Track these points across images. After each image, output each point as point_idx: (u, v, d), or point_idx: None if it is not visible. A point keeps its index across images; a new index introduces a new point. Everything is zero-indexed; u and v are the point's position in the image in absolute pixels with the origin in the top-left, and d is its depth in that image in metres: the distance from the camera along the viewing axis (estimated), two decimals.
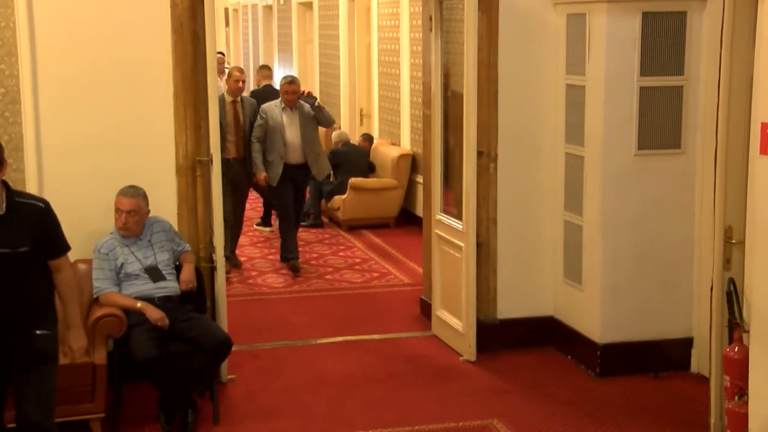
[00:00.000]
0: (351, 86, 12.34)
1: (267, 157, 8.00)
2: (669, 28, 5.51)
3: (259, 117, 8.01)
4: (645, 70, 5.52)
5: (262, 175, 8.00)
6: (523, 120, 6.03)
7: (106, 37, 5.39)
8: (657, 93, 5.56)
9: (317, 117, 8.10)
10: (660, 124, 5.60)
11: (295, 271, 8.10)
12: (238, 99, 8.10)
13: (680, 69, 5.56)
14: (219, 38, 19.98)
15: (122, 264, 5.11)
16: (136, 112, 5.46)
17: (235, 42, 20.66)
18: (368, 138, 10.77)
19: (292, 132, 8.01)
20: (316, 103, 8.19)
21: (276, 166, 8.01)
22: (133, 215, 5.10)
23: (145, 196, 5.17)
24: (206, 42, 5.38)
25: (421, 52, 7.23)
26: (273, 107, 8.05)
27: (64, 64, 5.35)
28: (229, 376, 5.62)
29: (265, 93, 9.66)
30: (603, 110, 5.54)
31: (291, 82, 8.08)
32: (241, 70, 8.37)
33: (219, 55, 13.17)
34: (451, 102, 6.30)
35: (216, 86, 5.46)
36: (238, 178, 8.03)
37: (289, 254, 8.25)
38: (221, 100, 7.62)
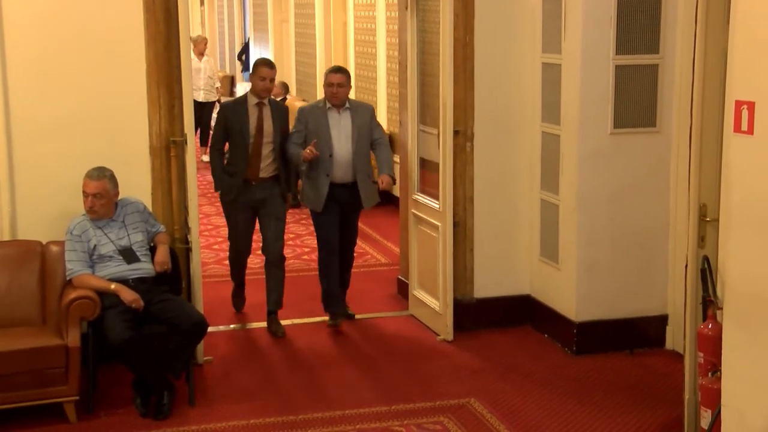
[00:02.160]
0: (327, 65, 12.25)
1: (309, 174, 6.07)
2: (644, 7, 5.51)
3: (296, 122, 6.07)
4: (620, 49, 5.51)
5: (301, 154, 5.93)
6: (500, 99, 6.01)
7: (77, 15, 5.31)
8: (632, 71, 5.56)
9: (375, 153, 6.18)
10: (635, 102, 5.61)
11: (349, 318, 6.39)
12: (266, 101, 6.04)
13: (655, 47, 5.56)
14: (193, 17, 19.78)
15: (95, 245, 5.06)
16: (108, 91, 5.39)
17: (210, 21, 20.46)
18: None
19: (341, 141, 6.01)
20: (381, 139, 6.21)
21: (320, 186, 5.99)
22: (99, 198, 5.04)
23: (112, 178, 5.11)
24: (179, 20, 5.31)
25: (397, 31, 7.19)
26: (314, 109, 6.11)
27: (33, 43, 5.27)
28: (205, 358, 5.60)
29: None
30: (579, 89, 5.54)
31: (337, 70, 6.13)
32: (270, 65, 6.09)
33: (201, 37, 12.92)
34: (428, 81, 6.28)
35: (190, 65, 5.40)
36: (266, 204, 6.06)
37: (333, 306, 6.22)
38: (240, 103, 6.10)
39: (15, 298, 5.06)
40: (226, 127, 6.04)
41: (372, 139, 6.13)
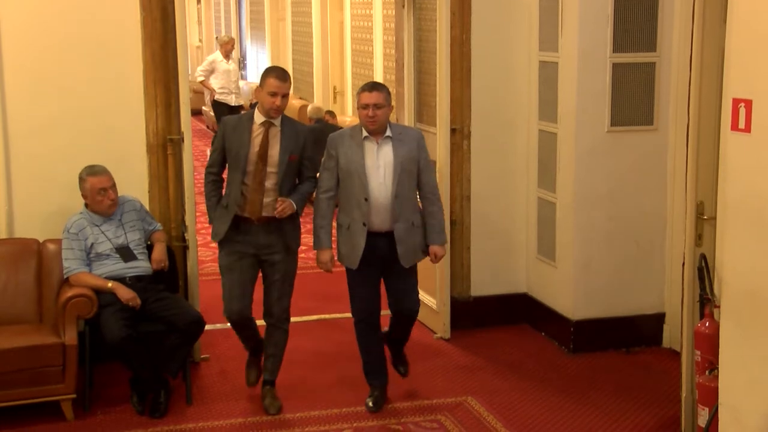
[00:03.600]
0: (324, 64, 12.26)
1: (341, 222, 4.81)
2: (641, 5, 5.51)
3: (325, 156, 4.80)
4: (618, 47, 5.51)
5: (327, 255, 4.82)
6: (497, 97, 6.01)
7: (74, 13, 5.31)
8: (629, 69, 5.56)
9: (422, 205, 4.88)
10: (632, 100, 5.61)
11: (401, 375, 5.24)
12: (276, 121, 4.74)
13: (653, 45, 5.56)
14: (190, 15, 19.77)
15: (92, 244, 5.05)
16: (106, 89, 5.39)
17: (207, 19, 20.44)
18: (332, 114, 10.75)
19: (379, 179, 4.71)
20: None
21: (356, 239, 4.73)
22: (113, 189, 5.10)
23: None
24: (176, 18, 5.30)
25: (394, 29, 7.18)
26: (346, 138, 4.76)
27: (30, 42, 5.26)
28: (202, 356, 5.60)
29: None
30: (576, 87, 5.53)
31: (372, 87, 4.72)
32: (282, 76, 4.72)
33: (229, 37, 12.31)
34: (424, 79, 6.27)
35: (187, 64, 5.39)
36: (271, 255, 4.83)
37: (374, 377, 5.03)
38: (243, 119, 4.81)
39: (12, 297, 5.06)
40: (224, 148, 4.82)
41: (422, 183, 4.81)
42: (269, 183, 4.73)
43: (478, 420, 4.86)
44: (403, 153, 4.72)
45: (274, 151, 4.73)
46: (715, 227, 4.17)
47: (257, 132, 4.73)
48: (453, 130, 5.90)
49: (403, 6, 6.31)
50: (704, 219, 4.31)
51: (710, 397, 4.01)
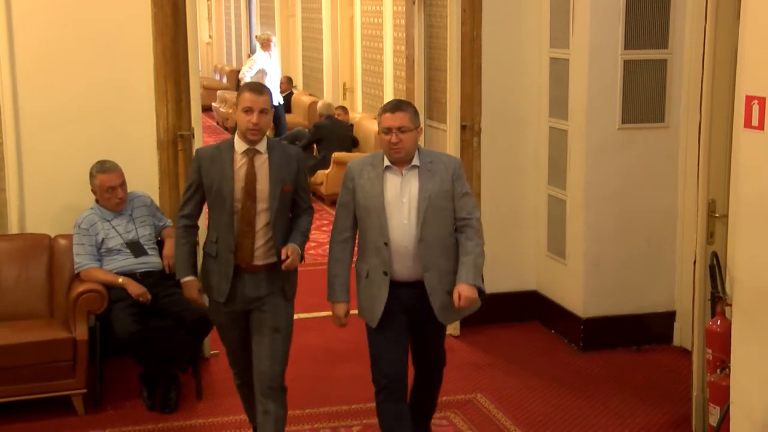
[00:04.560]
0: (334, 60, 12.26)
1: (359, 268, 4.02)
2: (653, 1, 5.48)
3: (342, 187, 4.01)
4: (629, 43, 5.49)
5: (341, 309, 4.04)
6: (507, 94, 5.99)
7: (85, 9, 5.32)
8: (641, 66, 5.53)
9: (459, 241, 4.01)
10: (644, 97, 5.59)
11: None
12: (261, 148, 3.97)
13: (664, 42, 5.53)
14: (200, 11, 19.79)
15: (103, 239, 5.06)
16: (116, 84, 5.40)
17: (217, 15, 20.46)
18: (344, 110, 10.73)
19: (402, 218, 3.89)
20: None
21: (376, 290, 3.93)
22: (123, 187, 5.11)
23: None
24: (187, 14, 5.30)
25: (404, 25, 7.17)
26: (366, 166, 3.96)
27: (42, 37, 5.27)
28: (211, 352, 5.60)
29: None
30: (587, 84, 5.52)
31: (396, 107, 3.91)
32: (257, 89, 3.96)
33: (269, 34, 12.08)
34: (435, 76, 6.26)
35: (197, 59, 5.40)
36: (262, 308, 4.03)
37: None
38: (221, 149, 4.00)
39: (23, 292, 5.08)
40: (201, 185, 4.01)
41: (456, 217, 3.96)
42: (260, 223, 3.94)
43: (487, 417, 4.86)
44: (431, 186, 3.86)
45: (263, 184, 3.94)
46: (727, 225, 4.16)
47: (240, 162, 3.94)
48: (463, 127, 5.89)
49: (414, 2, 6.30)
50: (716, 217, 4.29)
51: (721, 395, 4.00)
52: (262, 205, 3.95)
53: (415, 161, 3.91)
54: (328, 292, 4.05)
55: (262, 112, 3.89)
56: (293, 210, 4.09)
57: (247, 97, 3.90)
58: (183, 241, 4.06)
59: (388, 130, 3.84)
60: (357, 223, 3.98)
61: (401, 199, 3.87)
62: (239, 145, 3.96)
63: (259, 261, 3.97)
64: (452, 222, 3.95)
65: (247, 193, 3.92)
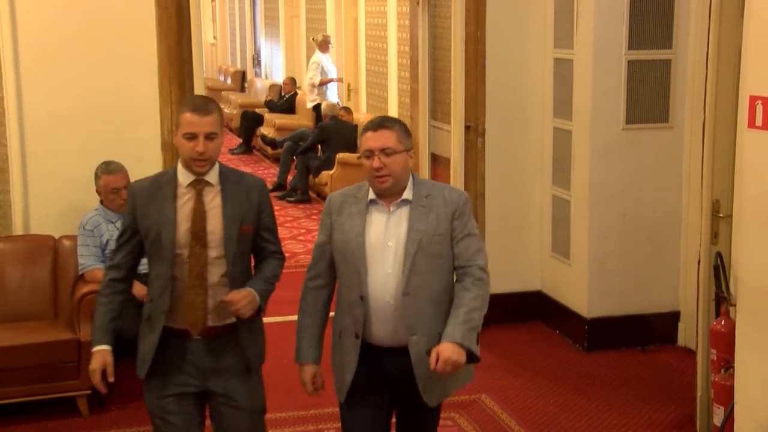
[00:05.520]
0: (338, 61, 12.25)
1: (333, 324, 3.29)
2: (657, 1, 5.48)
3: (321, 223, 3.25)
4: (633, 44, 5.49)
5: (307, 373, 3.30)
6: (511, 94, 5.99)
7: (89, 10, 5.33)
8: (645, 66, 5.53)
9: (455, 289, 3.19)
10: (648, 97, 5.58)
11: None
12: (211, 179, 3.17)
13: (668, 42, 5.53)
14: (205, 12, 19.81)
15: (108, 240, 5.07)
16: (120, 86, 5.41)
17: (221, 16, 20.48)
18: (348, 111, 10.72)
19: (385, 268, 3.09)
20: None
21: (346, 356, 3.20)
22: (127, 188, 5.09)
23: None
24: (191, 15, 5.32)
25: (408, 26, 7.17)
26: (348, 199, 3.18)
27: (46, 39, 5.28)
28: None
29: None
30: (591, 84, 5.51)
31: (379, 125, 3.09)
32: (203, 108, 3.10)
33: (326, 35, 11.71)
34: (439, 76, 6.27)
35: (202, 61, 5.41)
36: (226, 385, 3.26)
37: None
38: (161, 183, 3.20)
39: (27, 293, 5.09)
40: (136, 230, 3.21)
41: (456, 265, 3.16)
42: (214, 275, 3.15)
43: (491, 418, 4.85)
44: (424, 227, 3.05)
45: (215, 225, 3.13)
46: (731, 225, 4.15)
47: (185, 198, 3.13)
48: (467, 128, 5.90)
49: (418, 3, 6.31)
50: (720, 217, 4.29)
51: (726, 395, 3.99)
52: (214, 252, 3.12)
53: (407, 194, 3.09)
54: (296, 352, 3.28)
55: (208, 137, 3.05)
56: (256, 257, 3.28)
57: (188, 119, 3.04)
58: (104, 300, 3.22)
59: (369, 153, 3.03)
60: (334, 269, 3.17)
61: (386, 243, 3.05)
62: (183, 177, 3.14)
63: (214, 321, 3.17)
64: (450, 274, 3.14)
65: (195, 237, 3.08)
